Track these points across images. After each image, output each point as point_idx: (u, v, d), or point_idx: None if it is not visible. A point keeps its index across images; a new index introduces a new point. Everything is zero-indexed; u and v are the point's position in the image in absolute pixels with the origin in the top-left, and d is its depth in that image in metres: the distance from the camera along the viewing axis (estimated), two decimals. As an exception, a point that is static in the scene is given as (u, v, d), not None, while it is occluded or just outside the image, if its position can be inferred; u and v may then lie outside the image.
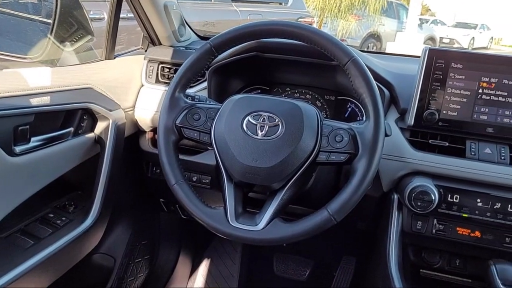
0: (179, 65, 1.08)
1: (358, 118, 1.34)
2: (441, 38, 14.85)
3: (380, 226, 1.27)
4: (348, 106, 1.35)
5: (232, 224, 0.94)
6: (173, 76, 1.06)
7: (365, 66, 0.95)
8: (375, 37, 10.18)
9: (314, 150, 0.94)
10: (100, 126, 1.29)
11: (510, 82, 1.08)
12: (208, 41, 1.03)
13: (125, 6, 1.38)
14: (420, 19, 11.51)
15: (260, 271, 1.96)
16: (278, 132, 0.95)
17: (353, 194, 0.90)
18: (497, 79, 1.09)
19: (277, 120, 0.96)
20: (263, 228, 0.92)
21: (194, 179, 1.37)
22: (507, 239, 1.12)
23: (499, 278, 0.94)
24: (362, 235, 1.52)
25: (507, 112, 1.09)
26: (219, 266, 1.90)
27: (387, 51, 9.58)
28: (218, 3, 5.45)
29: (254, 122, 0.96)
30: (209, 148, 1.05)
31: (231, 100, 1.02)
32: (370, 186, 0.93)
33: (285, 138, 0.94)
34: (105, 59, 1.41)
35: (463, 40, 16.22)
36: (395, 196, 1.19)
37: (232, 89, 1.40)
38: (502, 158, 1.10)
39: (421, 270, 1.26)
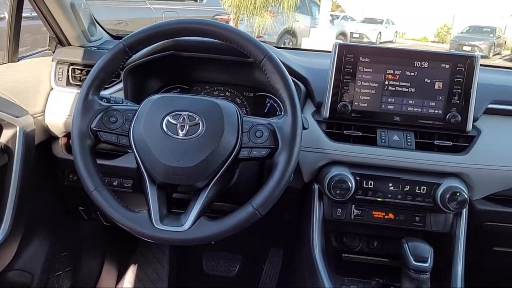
0: (91, 66, 1.04)
1: (277, 113, 1.37)
2: (352, 33, 15.64)
3: (304, 216, 1.32)
4: (267, 101, 1.38)
5: (157, 226, 0.92)
6: (85, 78, 1.01)
7: (280, 62, 0.98)
8: (291, 33, 10.45)
9: (235, 147, 0.96)
10: (6, 135, 1.20)
11: (412, 74, 1.17)
12: (121, 40, 1.00)
13: (29, 4, 1.30)
14: (331, 15, 12.03)
15: (189, 271, 1.94)
16: (199, 131, 0.95)
17: (276, 187, 0.93)
18: (400, 71, 1.17)
19: (197, 119, 0.96)
20: (189, 228, 0.92)
21: (115, 183, 1.32)
22: (416, 218, 1.21)
23: (411, 254, 1.02)
24: (287, 226, 1.57)
25: (410, 101, 1.18)
26: (147, 270, 1.86)
27: (302, 46, 9.90)
28: (131, 0, 5.29)
29: (174, 122, 0.96)
30: (129, 150, 1.02)
31: (149, 100, 1.00)
32: (291, 179, 0.97)
33: (206, 136, 0.95)
34: (8, 62, 1.31)
35: (371, 35, 17.24)
36: (316, 186, 1.24)
37: (149, 89, 1.37)
38: (409, 144, 1.19)
39: (343, 254, 1.33)
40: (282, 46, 10.22)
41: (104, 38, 1.58)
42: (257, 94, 1.39)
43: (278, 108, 1.37)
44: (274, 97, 1.37)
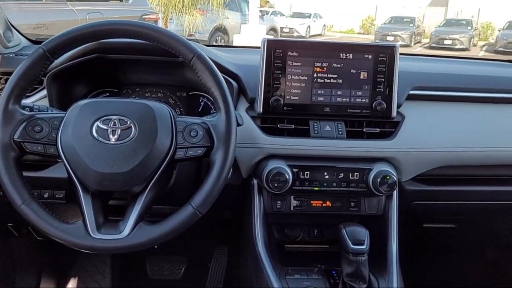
0: (10, 73, 0.98)
1: (211, 111, 1.37)
2: (282, 28, 15.91)
3: (245, 211, 1.33)
4: (200, 100, 1.38)
5: (94, 236, 0.90)
6: (4, 87, 0.95)
7: (210, 61, 0.98)
8: (222, 30, 10.45)
9: (171, 148, 0.95)
10: None
11: (338, 65, 1.22)
12: (40, 45, 0.95)
13: None
14: (260, 11, 12.16)
15: (134, 279, 1.90)
16: (131, 134, 0.93)
17: (214, 186, 0.93)
18: (327, 64, 1.22)
19: (128, 122, 0.94)
20: (128, 234, 0.90)
21: (46, 195, 1.26)
22: (352, 203, 1.27)
23: (349, 238, 1.06)
24: (230, 223, 1.58)
25: (339, 92, 1.23)
26: (88, 283, 1.79)
27: (234, 43, 9.94)
28: (51, 2, 5.02)
29: (104, 127, 0.93)
30: (58, 160, 0.98)
31: (76, 106, 0.96)
32: (229, 175, 0.98)
33: (139, 139, 0.93)
34: None
35: (300, 29, 17.65)
36: (254, 181, 1.25)
37: (76, 94, 1.32)
38: (340, 133, 1.24)
39: (286, 245, 1.35)
40: (214, 43, 10.21)
41: (23, 44, 1.50)
42: (190, 93, 1.38)
43: (212, 107, 1.37)
44: (208, 96, 1.37)
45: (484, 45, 17.24)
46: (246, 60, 1.36)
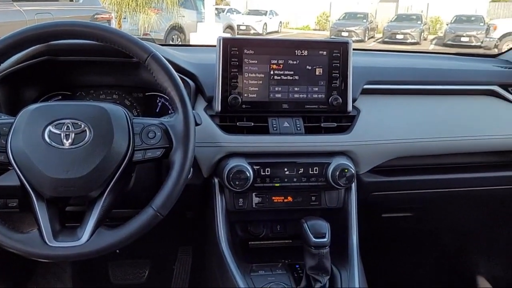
0: None
1: (169, 112, 1.35)
2: (239, 26, 15.91)
3: (207, 211, 1.32)
4: (158, 101, 1.36)
5: (51, 244, 0.87)
6: None
7: (165, 60, 0.97)
8: (178, 28, 10.33)
9: (128, 150, 0.93)
10: None
11: (294, 62, 1.23)
12: None
13: None
14: (216, 8, 12.10)
15: (96, 285, 1.85)
16: (86, 138, 0.91)
17: (175, 186, 0.93)
18: (283, 61, 1.23)
19: (83, 125, 0.91)
20: (87, 240, 0.89)
21: None
22: (312, 197, 1.29)
23: (310, 232, 1.08)
24: (193, 223, 1.57)
25: (296, 89, 1.24)
26: (48, 293, 1.73)
27: (191, 42, 9.85)
28: (-6, 3, 4.79)
29: (57, 132, 0.90)
30: (9, 168, 0.94)
31: (26, 111, 0.93)
32: (190, 175, 0.97)
33: (95, 143, 0.91)
34: None
35: (257, 26, 17.72)
36: (216, 180, 1.25)
37: (26, 99, 1.27)
38: (298, 129, 1.25)
39: (249, 242, 1.36)
40: (171, 42, 10.08)
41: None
42: (146, 94, 1.36)
43: (170, 107, 1.35)
44: (165, 96, 1.35)
45: (434, 39, 17.93)
46: (203, 59, 1.35)
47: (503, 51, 1.79)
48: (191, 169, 0.99)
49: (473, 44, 14.77)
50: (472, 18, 16.62)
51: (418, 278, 1.91)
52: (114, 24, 8.14)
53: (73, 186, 0.89)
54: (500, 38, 12.46)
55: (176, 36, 10.30)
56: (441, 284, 1.88)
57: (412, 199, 1.53)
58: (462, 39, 15.03)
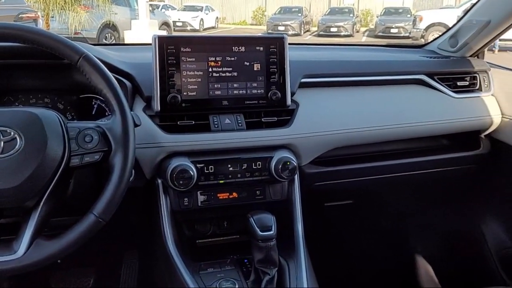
0: None
1: (106, 114, 1.31)
2: (175, 22, 15.67)
3: (153, 212, 1.30)
4: (93, 103, 1.31)
5: None
6: None
7: (99, 61, 0.94)
8: (111, 27, 10.01)
9: (64, 156, 0.90)
10: None
11: (232, 58, 1.24)
12: None
13: None
14: (150, 5, 11.81)
15: None
16: (17, 146, 0.86)
17: (116, 190, 0.91)
18: (221, 57, 1.23)
19: (12, 133, 0.87)
20: (24, 253, 0.84)
21: None
22: (257, 192, 1.30)
23: (257, 226, 1.10)
24: (138, 225, 1.54)
25: (235, 85, 1.25)
26: (-16, 312, 1.62)
27: (126, 40, 9.57)
28: None
29: None
30: None
31: None
32: (132, 178, 0.95)
33: (27, 151, 0.86)
34: None
35: (194, 23, 17.54)
36: (159, 181, 1.23)
37: None
38: (240, 125, 1.26)
39: (197, 241, 1.36)
40: (104, 41, 9.74)
41: None
42: (81, 96, 1.30)
43: (106, 109, 1.31)
44: (101, 98, 1.31)
45: (365, 31, 18.67)
46: (139, 58, 1.32)
47: (429, 41, 1.90)
48: (133, 172, 0.97)
49: (402, 35, 15.58)
50: (400, 10, 17.53)
51: (362, 262, 2.00)
52: (41, 24, 7.74)
53: (6, 197, 0.84)
54: (426, 29, 13.23)
55: (109, 34, 9.97)
56: (383, 266, 1.97)
57: (352, 187, 1.59)
58: (392, 30, 15.81)
